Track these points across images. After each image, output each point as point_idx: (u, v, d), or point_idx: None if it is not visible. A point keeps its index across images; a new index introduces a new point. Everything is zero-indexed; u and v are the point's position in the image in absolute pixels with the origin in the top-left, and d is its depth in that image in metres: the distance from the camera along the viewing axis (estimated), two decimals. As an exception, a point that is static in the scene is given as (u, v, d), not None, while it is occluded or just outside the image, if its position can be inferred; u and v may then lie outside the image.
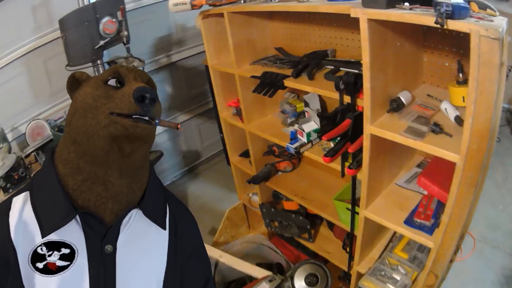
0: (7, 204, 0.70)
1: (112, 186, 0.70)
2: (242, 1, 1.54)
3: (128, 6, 2.09)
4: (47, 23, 2.12)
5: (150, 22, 2.54)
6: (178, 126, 0.71)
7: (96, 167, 0.69)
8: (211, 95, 2.62)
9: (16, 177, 1.85)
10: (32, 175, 1.94)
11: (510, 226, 2.17)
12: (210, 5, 1.61)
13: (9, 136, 2.09)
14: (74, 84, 0.74)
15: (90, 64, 1.92)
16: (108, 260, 0.71)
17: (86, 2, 1.81)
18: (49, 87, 2.24)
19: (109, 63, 2.02)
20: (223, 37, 1.73)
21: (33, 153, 2.00)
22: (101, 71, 1.97)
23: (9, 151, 1.97)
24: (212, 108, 2.84)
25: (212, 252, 1.85)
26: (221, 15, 1.61)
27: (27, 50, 2.12)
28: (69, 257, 0.69)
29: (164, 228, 0.81)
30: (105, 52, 1.94)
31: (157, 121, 0.70)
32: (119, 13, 1.82)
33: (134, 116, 0.66)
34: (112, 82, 0.70)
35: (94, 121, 0.66)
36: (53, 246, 0.68)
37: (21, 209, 0.69)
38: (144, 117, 0.67)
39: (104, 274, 0.71)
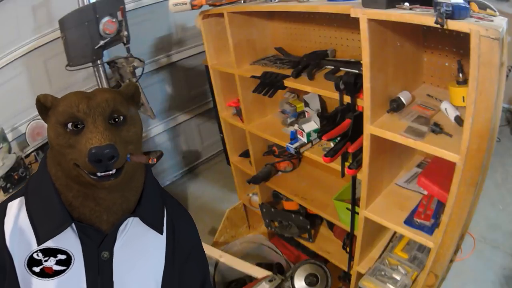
0: (2, 210, 0.70)
1: (104, 201, 0.70)
2: (242, 1, 1.54)
3: (128, 6, 2.09)
4: (47, 23, 2.12)
5: (150, 22, 2.54)
6: (150, 161, 0.68)
7: (83, 187, 0.68)
8: (211, 95, 2.62)
9: (16, 177, 1.85)
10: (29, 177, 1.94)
11: (510, 226, 2.17)
12: (210, 5, 1.61)
13: (9, 136, 2.09)
14: (43, 109, 0.69)
15: (90, 64, 1.92)
16: (105, 266, 0.71)
17: (86, 2, 1.80)
18: (49, 87, 2.24)
19: (109, 63, 2.02)
20: (223, 37, 1.73)
21: (33, 153, 2.00)
22: (101, 71, 1.97)
23: (9, 151, 1.98)
24: (212, 108, 2.84)
25: (212, 252, 1.85)
26: (221, 15, 1.61)
27: (27, 50, 2.12)
28: (66, 263, 0.68)
29: (161, 233, 0.80)
30: (105, 52, 1.94)
31: (128, 159, 0.66)
32: (119, 13, 1.82)
33: (98, 174, 0.63)
34: (70, 125, 0.65)
35: (67, 165, 0.65)
36: (49, 252, 0.68)
37: (16, 216, 0.69)
38: (108, 172, 0.64)
39: (101, 279, 0.71)
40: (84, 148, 0.61)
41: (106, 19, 1.78)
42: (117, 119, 0.67)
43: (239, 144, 2.09)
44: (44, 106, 0.69)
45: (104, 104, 0.66)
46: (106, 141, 0.61)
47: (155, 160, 0.68)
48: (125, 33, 1.86)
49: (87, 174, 0.64)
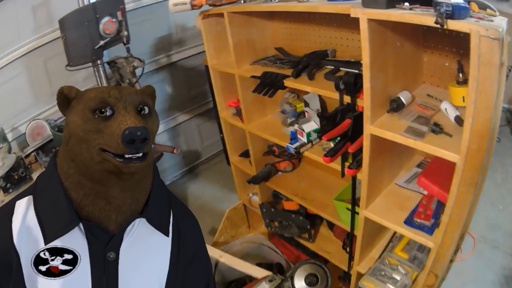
0: (10, 208, 0.70)
1: (115, 200, 0.70)
2: (242, 1, 1.54)
3: (128, 6, 2.09)
4: (47, 23, 2.12)
5: (150, 22, 2.54)
6: (174, 151, 0.71)
7: (96, 184, 0.68)
8: (211, 95, 2.62)
9: (16, 177, 1.85)
10: (32, 175, 1.94)
11: (510, 226, 2.17)
12: (210, 5, 1.61)
13: (9, 136, 2.09)
14: (65, 101, 0.70)
15: (90, 64, 1.92)
16: (110, 267, 0.71)
17: (86, 2, 1.80)
18: (49, 87, 2.24)
19: (109, 63, 2.02)
20: (223, 37, 1.73)
21: (33, 153, 2.00)
22: (101, 71, 1.97)
23: (9, 151, 1.97)
24: (212, 108, 2.84)
25: (212, 252, 1.85)
26: (221, 15, 1.61)
27: (27, 50, 2.12)
28: (72, 262, 0.69)
29: (167, 235, 0.80)
30: (105, 52, 1.94)
31: (152, 148, 0.68)
32: (119, 13, 1.82)
33: (126, 156, 0.64)
34: (98, 112, 0.66)
35: (88, 154, 0.65)
36: (56, 251, 0.68)
37: (24, 214, 0.69)
38: (136, 154, 0.65)
39: (106, 279, 0.71)
40: (118, 130, 0.63)
41: (106, 19, 1.78)
42: (143, 111, 0.70)
43: (239, 144, 2.09)
44: (67, 97, 0.70)
45: (134, 94, 0.70)
46: (139, 123, 0.64)
47: (178, 150, 0.70)
48: (125, 33, 1.86)
49: (113, 157, 0.64)
